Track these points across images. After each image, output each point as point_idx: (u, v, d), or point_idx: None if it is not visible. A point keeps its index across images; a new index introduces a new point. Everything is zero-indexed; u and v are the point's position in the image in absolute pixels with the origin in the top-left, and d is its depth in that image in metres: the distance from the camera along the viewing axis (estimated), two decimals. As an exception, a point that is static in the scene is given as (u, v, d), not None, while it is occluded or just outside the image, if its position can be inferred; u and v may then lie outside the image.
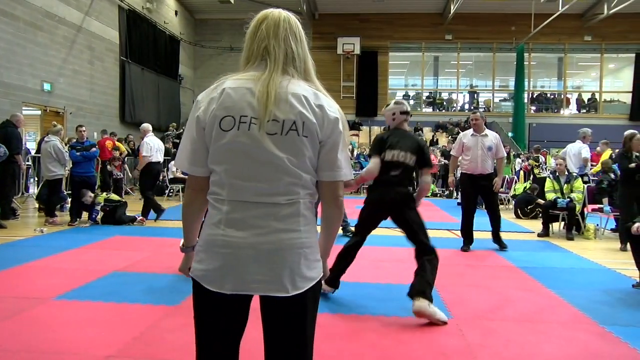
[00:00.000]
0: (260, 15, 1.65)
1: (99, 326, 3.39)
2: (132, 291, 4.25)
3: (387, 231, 7.82)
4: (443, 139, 19.26)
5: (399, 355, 3.05)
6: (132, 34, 16.46)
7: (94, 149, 8.34)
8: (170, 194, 12.89)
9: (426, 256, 3.84)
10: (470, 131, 6.51)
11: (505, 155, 6.63)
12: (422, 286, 3.64)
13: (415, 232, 3.92)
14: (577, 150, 9.05)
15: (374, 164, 3.98)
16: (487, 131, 6.47)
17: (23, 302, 3.88)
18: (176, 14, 20.10)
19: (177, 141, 17.20)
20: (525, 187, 10.78)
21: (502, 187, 6.88)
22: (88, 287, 4.35)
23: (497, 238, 6.43)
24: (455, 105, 22.31)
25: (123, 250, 6.02)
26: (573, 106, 21.63)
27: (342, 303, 4.04)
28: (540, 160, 11.94)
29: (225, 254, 1.44)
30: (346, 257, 4.16)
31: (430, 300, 3.61)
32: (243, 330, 1.60)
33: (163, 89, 18.90)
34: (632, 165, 6.40)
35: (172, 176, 12.48)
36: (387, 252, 6.15)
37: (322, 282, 1.61)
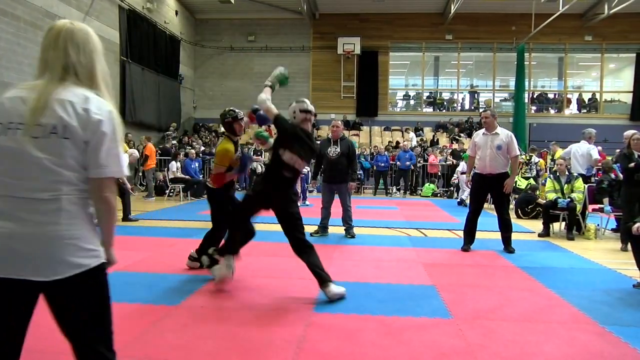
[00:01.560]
0: (48, 26, 1.78)
1: (99, 326, 3.38)
2: (133, 291, 4.25)
3: (387, 231, 7.82)
4: (444, 139, 19.26)
5: (398, 355, 3.05)
6: (133, 33, 16.45)
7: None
8: (171, 193, 12.89)
9: (305, 249, 4.25)
10: (482, 130, 6.47)
11: (518, 154, 6.46)
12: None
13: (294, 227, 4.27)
14: (586, 151, 9.02)
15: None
16: (499, 129, 6.33)
17: None
18: (176, 13, 20.10)
19: (174, 142, 17.22)
20: (528, 184, 10.78)
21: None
22: (88, 286, 4.35)
23: (506, 242, 6.32)
24: (455, 105, 22.31)
25: (123, 250, 5.97)
26: (574, 106, 21.61)
27: (342, 302, 4.04)
28: (533, 160, 11.93)
29: None
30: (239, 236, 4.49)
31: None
32: (21, 315, 1.74)
33: (163, 88, 18.90)
34: (632, 165, 6.40)
35: (172, 176, 12.49)
36: (387, 252, 6.15)
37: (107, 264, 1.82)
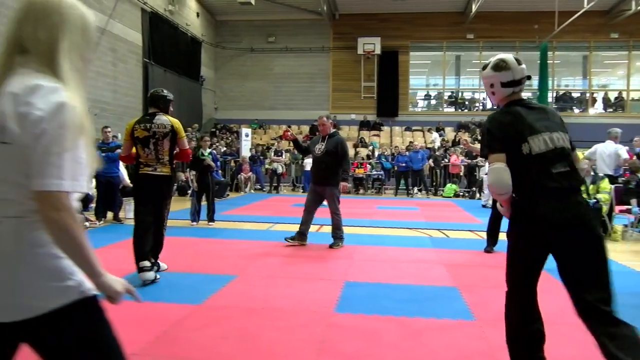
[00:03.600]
0: None
1: (123, 324, 3.41)
2: (156, 290, 4.31)
3: (408, 232, 7.77)
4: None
5: (420, 356, 3.03)
6: (155, 36, 16.67)
7: (118, 150, 8.46)
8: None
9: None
10: None
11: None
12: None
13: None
14: (613, 151, 8.83)
15: None
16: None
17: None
18: (198, 15, 20.31)
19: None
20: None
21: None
22: (112, 285, 4.42)
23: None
24: (477, 104, 22.07)
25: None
26: (599, 105, 21.20)
27: (363, 303, 4.03)
28: None
29: None
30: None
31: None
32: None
33: (185, 90, 19.09)
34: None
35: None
36: (408, 253, 6.12)
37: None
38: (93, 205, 8.79)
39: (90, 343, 1.37)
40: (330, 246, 6.34)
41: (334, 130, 6.60)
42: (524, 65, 2.57)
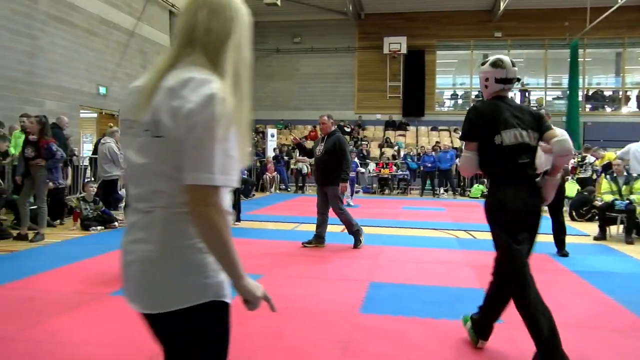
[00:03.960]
0: None
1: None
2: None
3: (434, 233, 7.70)
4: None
5: (445, 359, 3.00)
6: (182, 38, 16.91)
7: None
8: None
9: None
10: None
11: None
12: None
13: None
14: None
15: None
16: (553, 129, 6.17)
17: (81, 296, 4.06)
18: (224, 17, 20.51)
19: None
20: (577, 189, 10.39)
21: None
22: (141, 283, 4.51)
23: (559, 245, 6.10)
24: (505, 103, 21.70)
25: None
26: (633, 103, 20.61)
27: (388, 304, 4.01)
28: (587, 160, 11.42)
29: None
30: None
31: None
32: (165, 348, 1.40)
33: (212, 91, 19.30)
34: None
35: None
36: (434, 254, 6.06)
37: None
38: (122, 204, 8.96)
39: (212, 348, 1.39)
40: (355, 246, 6.30)
41: (334, 129, 6.50)
42: (516, 68, 2.98)
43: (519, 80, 3.07)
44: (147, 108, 1.27)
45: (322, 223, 6.41)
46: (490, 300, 3.09)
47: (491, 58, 3.01)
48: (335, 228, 8.10)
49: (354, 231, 6.33)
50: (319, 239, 6.38)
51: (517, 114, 2.88)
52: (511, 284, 2.88)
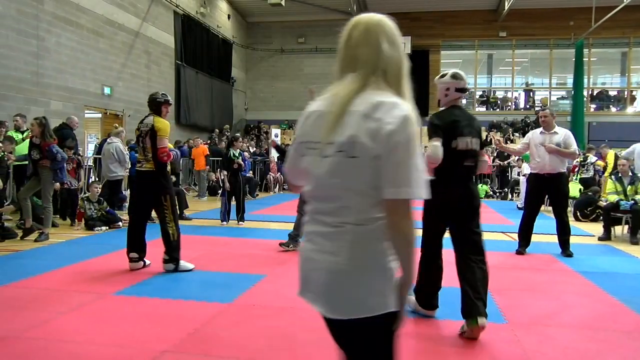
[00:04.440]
0: (353, 21, 1.59)
1: (155, 321, 3.51)
2: (187, 288, 4.38)
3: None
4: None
5: (451, 359, 2.99)
6: (187, 38, 16.95)
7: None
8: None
9: None
10: (540, 129, 6.26)
11: (576, 149, 6.24)
12: None
13: None
14: None
15: None
16: (557, 129, 6.12)
17: (85, 296, 4.07)
18: (229, 17, 20.54)
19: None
20: (580, 189, 10.34)
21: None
22: (145, 283, 4.52)
23: (563, 245, 6.07)
24: (510, 104, 21.66)
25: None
26: (638, 103, 20.52)
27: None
28: (588, 160, 11.36)
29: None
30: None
31: None
32: (344, 351, 1.53)
33: (216, 91, 19.35)
34: None
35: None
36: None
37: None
38: (127, 204, 8.98)
39: (389, 354, 1.47)
40: (282, 244, 6.03)
41: None
42: (467, 79, 3.70)
43: (467, 90, 3.68)
44: (336, 131, 1.38)
45: (299, 225, 5.90)
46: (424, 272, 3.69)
47: (449, 72, 3.61)
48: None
49: (295, 234, 5.98)
50: (295, 240, 5.94)
51: (469, 123, 3.48)
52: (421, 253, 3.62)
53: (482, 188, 15.02)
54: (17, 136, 8.44)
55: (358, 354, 1.47)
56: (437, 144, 3.34)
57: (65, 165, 7.21)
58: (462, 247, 3.51)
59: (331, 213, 1.42)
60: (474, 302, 3.24)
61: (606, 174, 10.19)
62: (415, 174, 1.34)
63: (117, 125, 10.16)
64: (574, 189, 10.43)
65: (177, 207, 8.80)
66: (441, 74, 3.70)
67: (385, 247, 1.40)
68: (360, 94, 1.40)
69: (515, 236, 6.46)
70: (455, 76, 3.55)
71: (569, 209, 10.14)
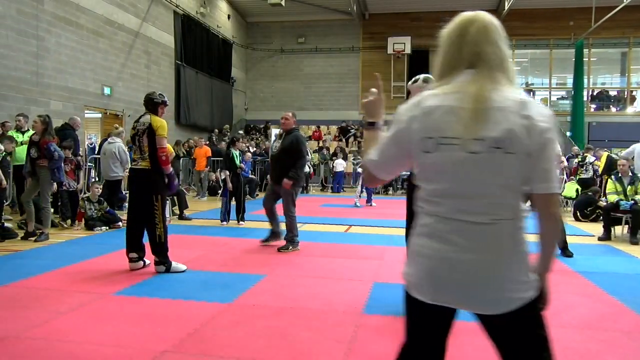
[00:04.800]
0: (461, 19, 1.66)
1: (155, 321, 3.51)
2: (187, 288, 4.38)
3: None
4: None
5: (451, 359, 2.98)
6: (187, 38, 16.96)
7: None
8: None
9: None
10: None
11: (559, 150, 6.23)
12: None
13: None
14: None
15: None
16: None
17: (85, 296, 4.07)
18: (229, 17, 20.54)
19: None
20: (578, 189, 10.35)
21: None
22: (145, 283, 4.52)
23: (562, 245, 6.01)
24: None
25: (177, 248, 6.18)
26: (638, 103, 20.52)
27: (393, 305, 4.00)
28: (587, 160, 11.36)
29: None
30: None
31: None
32: (503, 344, 1.63)
33: (216, 91, 19.36)
34: None
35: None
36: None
37: None
38: (126, 204, 8.97)
39: (545, 331, 1.57)
40: (279, 250, 6.02)
41: (294, 127, 6.21)
42: None
43: None
44: (484, 127, 1.40)
45: (273, 220, 6.37)
46: None
47: (421, 76, 3.70)
48: (338, 228, 8.10)
49: (291, 238, 6.09)
50: (275, 235, 6.32)
51: None
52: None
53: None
54: (18, 137, 8.43)
55: (521, 341, 1.54)
56: None
57: (62, 165, 7.19)
58: None
59: (479, 210, 1.44)
60: None
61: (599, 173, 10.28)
62: (555, 169, 1.45)
63: (117, 125, 10.13)
64: (570, 189, 10.44)
65: (178, 207, 8.84)
66: (414, 79, 3.74)
67: (526, 237, 1.49)
68: (494, 91, 1.44)
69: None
70: (427, 80, 3.61)
71: (568, 209, 10.19)
